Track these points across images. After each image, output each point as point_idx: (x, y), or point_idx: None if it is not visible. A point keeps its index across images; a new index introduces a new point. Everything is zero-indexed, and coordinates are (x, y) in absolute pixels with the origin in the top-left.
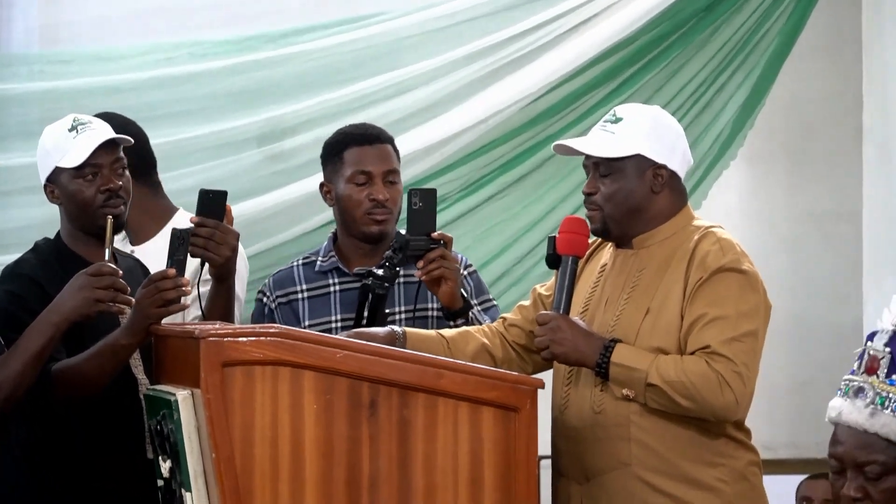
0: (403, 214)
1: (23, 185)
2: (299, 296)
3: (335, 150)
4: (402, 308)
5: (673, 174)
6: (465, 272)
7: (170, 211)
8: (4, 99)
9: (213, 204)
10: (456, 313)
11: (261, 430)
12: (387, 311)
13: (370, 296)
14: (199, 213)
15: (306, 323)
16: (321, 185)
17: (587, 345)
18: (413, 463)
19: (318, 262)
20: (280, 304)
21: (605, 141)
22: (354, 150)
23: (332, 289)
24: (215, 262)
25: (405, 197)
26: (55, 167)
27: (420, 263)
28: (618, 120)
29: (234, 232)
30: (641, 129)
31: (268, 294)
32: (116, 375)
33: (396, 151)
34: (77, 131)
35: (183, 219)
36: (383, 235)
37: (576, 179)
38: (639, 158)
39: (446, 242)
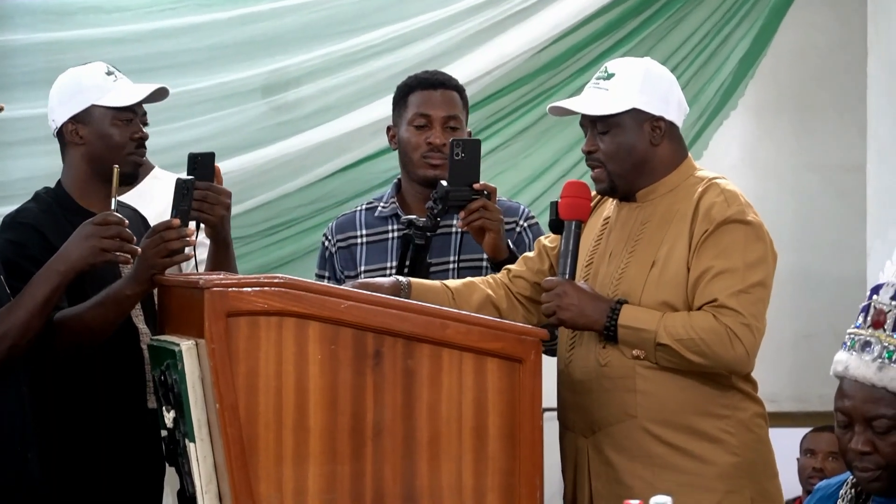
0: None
1: (26, 135)
2: (358, 240)
3: (402, 94)
4: (456, 258)
5: (671, 125)
6: (525, 224)
7: (146, 168)
8: (8, 49)
9: (202, 166)
10: (500, 263)
11: (265, 380)
12: (441, 260)
13: (411, 246)
14: (189, 175)
15: (362, 268)
16: (387, 129)
17: (594, 309)
18: (417, 413)
19: (380, 208)
20: (340, 248)
21: (600, 98)
22: (419, 93)
23: (390, 235)
24: (211, 222)
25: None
26: (92, 104)
27: (462, 214)
28: (610, 76)
29: (227, 191)
30: (634, 83)
31: (329, 238)
32: (118, 325)
33: (465, 101)
34: (115, 77)
35: (157, 174)
36: (439, 180)
37: (579, 130)
38: (635, 113)
39: (489, 193)
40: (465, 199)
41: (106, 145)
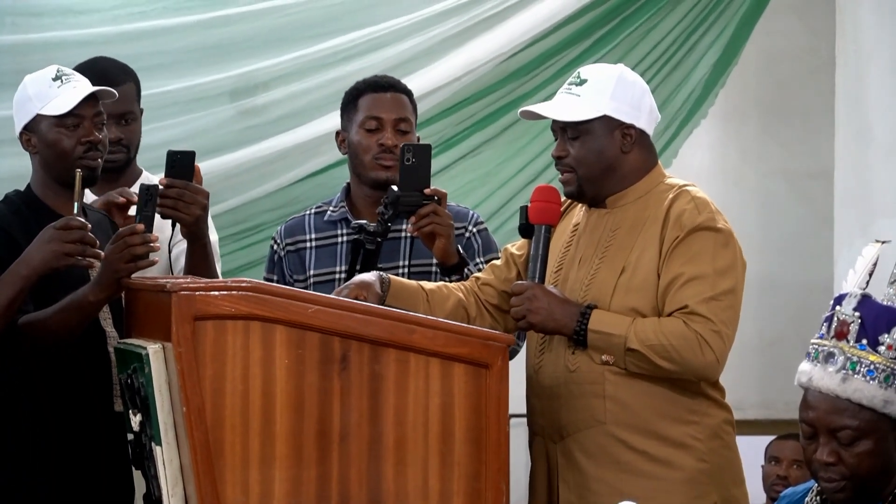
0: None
1: None
2: (307, 244)
3: (351, 98)
4: (406, 263)
5: (641, 132)
6: (475, 229)
7: (134, 174)
8: None
9: (181, 164)
10: (451, 269)
11: (232, 384)
12: (391, 265)
13: (362, 251)
14: (167, 174)
15: (311, 272)
16: (337, 134)
17: (563, 313)
18: (384, 417)
19: (329, 212)
20: (288, 252)
21: (571, 104)
22: (368, 96)
23: (339, 239)
24: (186, 221)
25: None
26: (36, 114)
27: (412, 219)
28: (582, 82)
29: (204, 191)
30: (606, 90)
31: (278, 241)
32: (85, 328)
33: (413, 104)
34: (62, 81)
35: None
36: (391, 182)
37: (548, 138)
38: (606, 119)
39: (440, 198)
40: (416, 205)
41: (54, 153)
